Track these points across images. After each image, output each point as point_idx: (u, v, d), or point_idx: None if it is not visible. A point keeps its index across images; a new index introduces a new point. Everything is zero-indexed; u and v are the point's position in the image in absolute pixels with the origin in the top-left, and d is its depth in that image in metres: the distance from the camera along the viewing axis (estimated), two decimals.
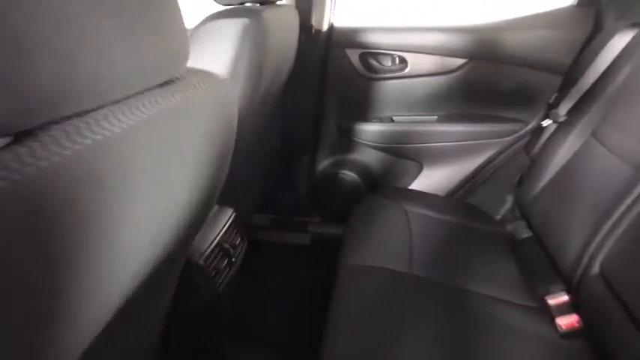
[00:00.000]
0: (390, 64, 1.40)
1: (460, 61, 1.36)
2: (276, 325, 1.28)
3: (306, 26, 1.29)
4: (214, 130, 0.48)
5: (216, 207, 0.92)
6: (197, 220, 0.54)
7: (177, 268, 0.66)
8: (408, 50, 1.36)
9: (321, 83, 1.41)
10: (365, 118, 1.47)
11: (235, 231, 0.93)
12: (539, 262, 1.04)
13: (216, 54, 0.84)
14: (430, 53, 1.36)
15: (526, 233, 1.15)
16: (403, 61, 1.38)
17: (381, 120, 1.46)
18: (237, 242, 0.92)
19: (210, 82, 0.46)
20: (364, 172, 1.54)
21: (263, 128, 1.23)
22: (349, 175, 1.53)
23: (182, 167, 0.42)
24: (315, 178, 1.56)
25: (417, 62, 1.37)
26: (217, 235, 0.85)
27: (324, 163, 1.55)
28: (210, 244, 0.83)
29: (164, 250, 0.45)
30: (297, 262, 1.52)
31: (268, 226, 1.62)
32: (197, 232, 0.63)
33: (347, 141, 1.50)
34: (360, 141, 1.47)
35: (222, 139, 0.50)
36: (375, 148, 1.48)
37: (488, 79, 1.37)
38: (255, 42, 0.85)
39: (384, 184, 1.54)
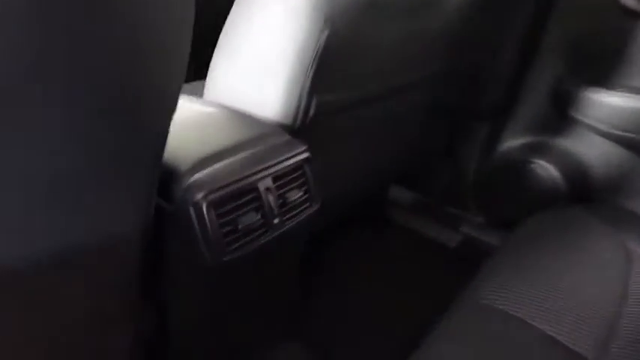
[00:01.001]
0: None
1: None
2: (336, 336, 0.93)
3: None
4: None
5: (285, 137, 0.59)
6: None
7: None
8: None
9: (539, 15, 0.95)
10: (605, 82, 0.94)
11: (300, 182, 0.58)
12: None
13: None
14: None
15: None
16: None
17: (632, 91, 0.92)
18: (295, 198, 0.57)
19: None
20: (574, 169, 1.03)
21: (411, 64, 0.83)
22: (547, 168, 1.04)
23: None
24: (492, 159, 1.12)
25: None
26: (252, 175, 0.52)
27: (511, 142, 1.09)
28: (234, 183, 0.50)
29: None
30: (429, 265, 1.13)
31: (407, 207, 1.26)
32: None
33: (559, 115, 1.01)
34: (583, 119, 0.96)
35: None
36: (604, 135, 0.96)
37: None
38: None
39: (599, 197, 1.02)
